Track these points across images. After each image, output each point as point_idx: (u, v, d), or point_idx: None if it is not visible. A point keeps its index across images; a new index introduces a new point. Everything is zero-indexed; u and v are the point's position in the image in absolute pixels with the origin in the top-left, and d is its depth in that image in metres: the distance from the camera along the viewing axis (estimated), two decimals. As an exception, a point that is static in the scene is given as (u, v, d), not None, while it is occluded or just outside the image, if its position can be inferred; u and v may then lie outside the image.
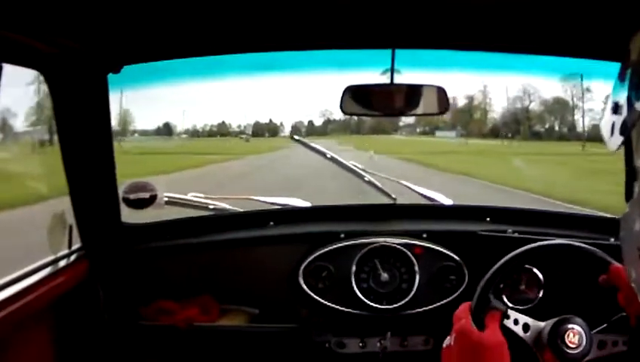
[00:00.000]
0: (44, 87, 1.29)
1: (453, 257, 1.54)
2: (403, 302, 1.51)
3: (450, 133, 29.30)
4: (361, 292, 1.51)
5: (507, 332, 0.93)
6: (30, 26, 1.03)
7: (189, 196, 1.78)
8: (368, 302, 1.50)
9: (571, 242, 1.06)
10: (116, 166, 1.45)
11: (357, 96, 1.44)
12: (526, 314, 1.01)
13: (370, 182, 1.84)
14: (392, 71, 1.40)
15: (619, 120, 0.54)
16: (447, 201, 1.87)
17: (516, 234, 1.54)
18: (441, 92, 1.43)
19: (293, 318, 1.56)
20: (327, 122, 30.26)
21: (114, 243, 1.52)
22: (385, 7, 1.09)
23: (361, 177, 1.86)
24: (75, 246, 1.44)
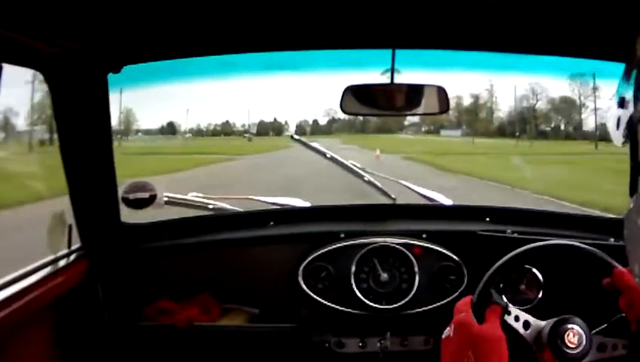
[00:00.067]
0: (44, 86, 1.29)
1: (452, 257, 1.54)
2: (403, 302, 1.50)
3: (456, 132, 29.25)
4: (360, 292, 1.51)
5: (508, 331, 0.93)
6: (30, 26, 1.03)
7: (189, 196, 1.79)
8: (368, 302, 1.50)
9: (580, 244, 1.05)
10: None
11: (357, 96, 1.44)
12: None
13: (369, 182, 1.84)
14: (393, 71, 1.40)
15: (625, 114, 0.54)
16: (446, 201, 1.87)
17: (516, 235, 1.53)
18: (441, 92, 1.43)
19: (293, 318, 1.55)
20: (332, 121, 30.32)
21: (114, 243, 1.52)
22: (385, 7, 1.09)
23: (361, 177, 1.86)
24: (74, 246, 1.44)
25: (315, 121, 30.69)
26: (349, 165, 1.86)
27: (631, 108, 0.53)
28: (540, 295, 1.49)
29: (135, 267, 1.57)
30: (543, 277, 1.50)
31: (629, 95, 0.54)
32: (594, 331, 0.99)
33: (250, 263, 1.59)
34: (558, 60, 1.46)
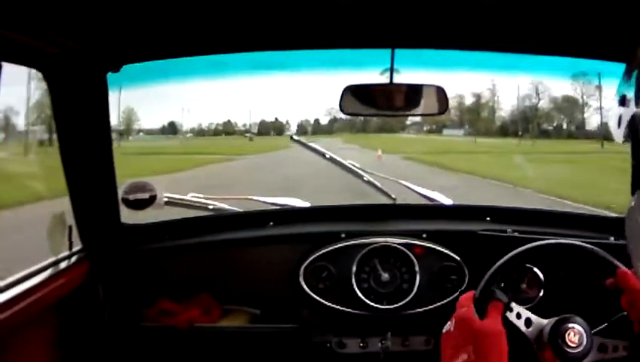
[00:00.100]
0: (43, 85, 1.29)
1: (453, 257, 1.54)
2: (404, 302, 1.50)
3: (458, 132, 29.25)
4: (361, 293, 1.51)
5: (509, 328, 0.92)
6: (30, 26, 1.03)
7: (189, 196, 1.78)
8: (369, 302, 1.50)
9: (581, 243, 1.05)
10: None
11: (356, 96, 1.44)
12: None
13: (369, 182, 1.84)
14: (392, 70, 1.40)
15: (626, 113, 0.55)
16: (447, 201, 1.86)
17: (516, 234, 1.53)
18: (440, 92, 1.43)
19: (294, 318, 1.55)
20: (333, 120, 30.35)
21: (114, 244, 1.52)
22: (385, 7, 1.08)
23: (360, 177, 1.85)
24: (76, 248, 1.44)
25: (317, 121, 30.77)
26: (348, 165, 1.86)
27: (632, 107, 0.53)
28: (541, 294, 1.49)
29: (135, 268, 1.57)
30: (543, 276, 1.49)
31: (630, 94, 0.54)
32: (594, 330, 0.99)
33: (251, 263, 1.59)
34: (560, 60, 1.45)
